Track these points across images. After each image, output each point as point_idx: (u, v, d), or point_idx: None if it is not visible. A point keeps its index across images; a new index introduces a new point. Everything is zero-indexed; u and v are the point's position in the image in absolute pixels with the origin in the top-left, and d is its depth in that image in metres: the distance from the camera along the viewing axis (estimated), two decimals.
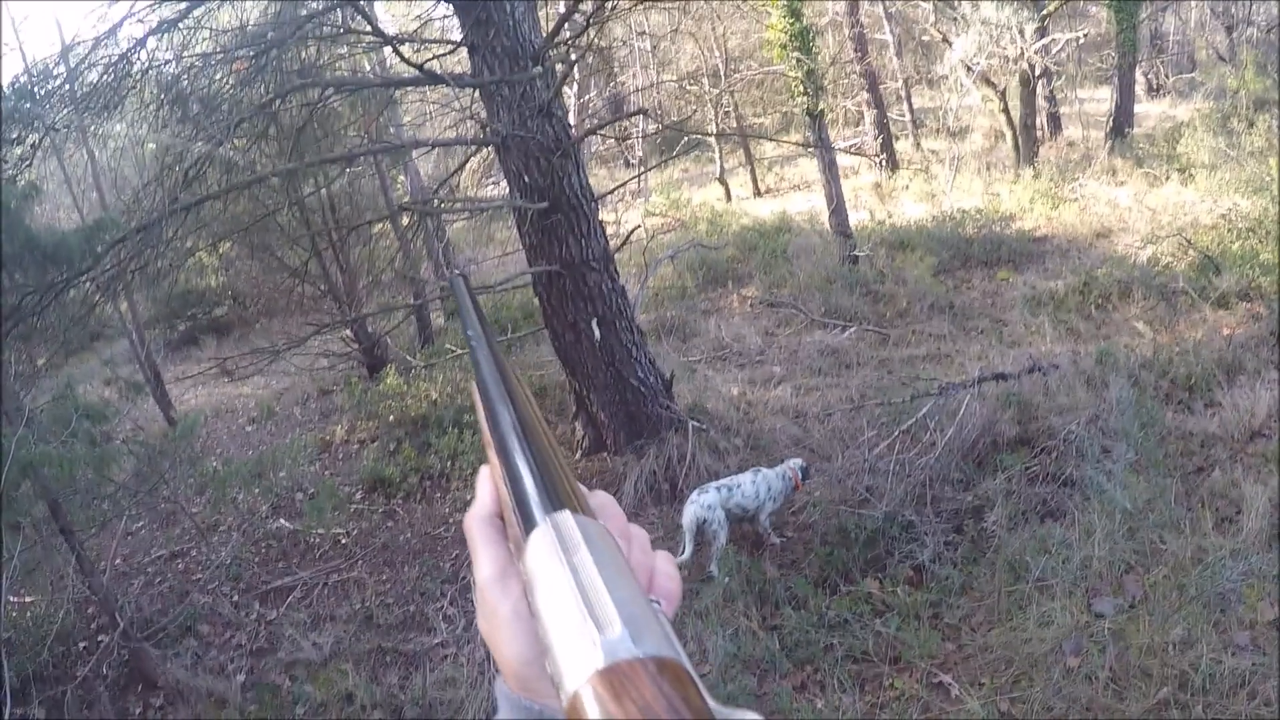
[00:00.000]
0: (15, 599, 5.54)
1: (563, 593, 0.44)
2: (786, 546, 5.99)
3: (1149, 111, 20.89)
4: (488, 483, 0.64)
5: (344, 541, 6.93)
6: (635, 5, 11.36)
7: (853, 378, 8.70)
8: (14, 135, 6.39)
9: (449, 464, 7.76)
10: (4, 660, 4.53)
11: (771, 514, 5.97)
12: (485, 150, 8.43)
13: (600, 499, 0.61)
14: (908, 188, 17.04)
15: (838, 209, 12.38)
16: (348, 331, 11.36)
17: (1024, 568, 4.87)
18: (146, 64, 6.79)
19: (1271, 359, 6.87)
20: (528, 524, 0.51)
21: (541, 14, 8.30)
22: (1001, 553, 5.10)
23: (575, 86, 17.42)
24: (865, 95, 18.88)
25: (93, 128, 7.77)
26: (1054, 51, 16.90)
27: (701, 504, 5.64)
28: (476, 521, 0.62)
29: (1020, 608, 4.67)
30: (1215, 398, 6.50)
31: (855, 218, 13.70)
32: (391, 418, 9.01)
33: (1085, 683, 4.01)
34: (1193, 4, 23.16)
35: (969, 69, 16.35)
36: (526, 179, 6.96)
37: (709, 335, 10.73)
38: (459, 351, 10.51)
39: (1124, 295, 9.36)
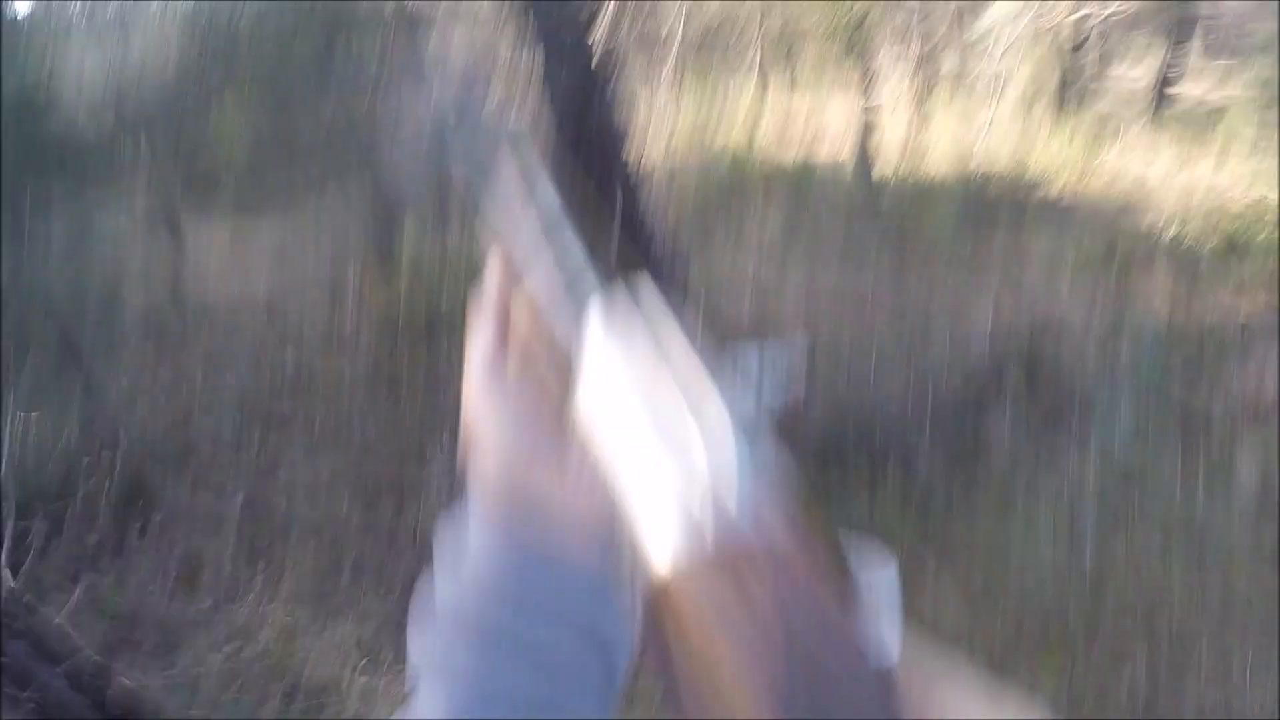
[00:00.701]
0: (21, 415, 5.61)
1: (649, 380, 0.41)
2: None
3: (1192, 90, 20.61)
4: (498, 267, 0.64)
5: (348, 377, 6.96)
6: None
7: (865, 316, 8.68)
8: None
9: (458, 311, 7.73)
10: (9, 473, 4.60)
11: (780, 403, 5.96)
12: None
13: None
14: (926, 147, 16.90)
15: (865, 158, 12.30)
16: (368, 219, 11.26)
17: (1016, 470, 4.95)
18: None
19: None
20: (583, 295, 0.48)
21: None
22: (995, 453, 5.16)
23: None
24: (902, 51, 18.64)
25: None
26: (1095, 23, 16.69)
27: None
28: (480, 310, 0.62)
29: (1007, 506, 4.76)
30: (1222, 379, 6.58)
31: (880, 171, 13.60)
32: (406, 263, 8.97)
33: (1063, 578, 4.11)
34: None
35: (1008, 28, 16.18)
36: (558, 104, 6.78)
37: (724, 266, 10.67)
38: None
39: (1145, 267, 9.35)
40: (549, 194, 0.67)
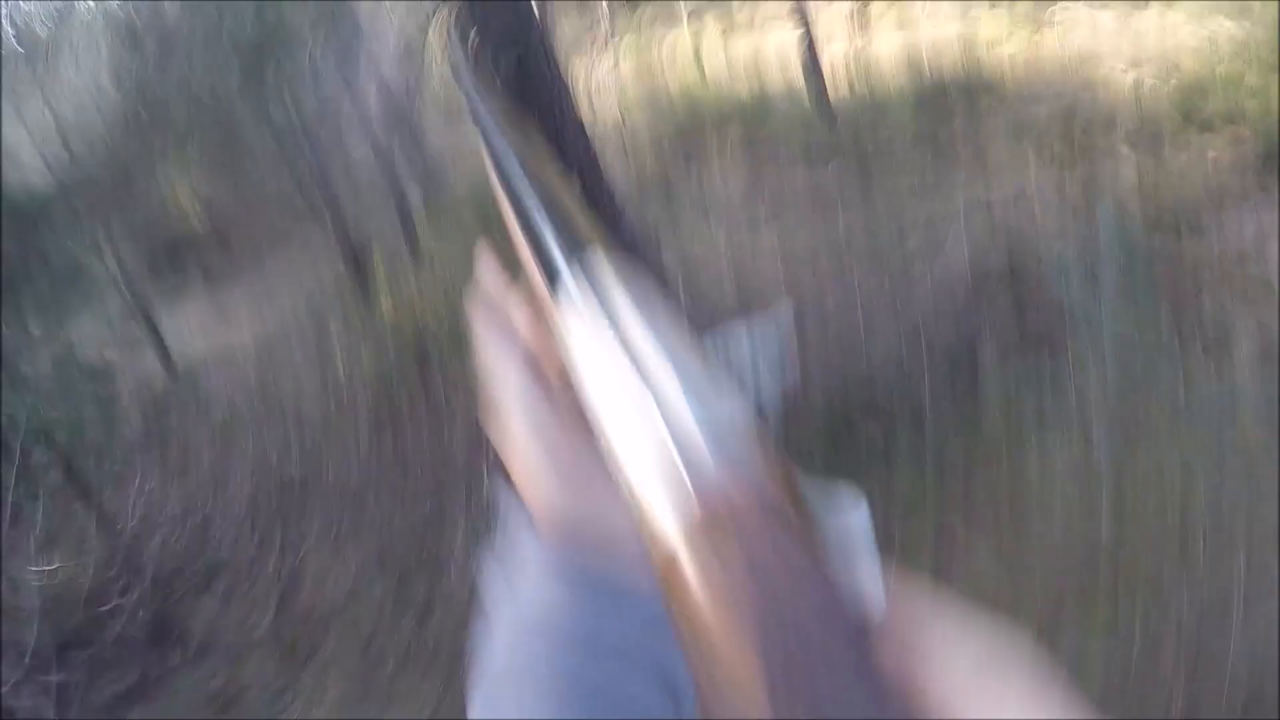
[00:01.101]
0: (39, 568, 5.64)
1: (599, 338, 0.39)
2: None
3: None
4: (485, 257, 0.58)
5: (353, 483, 6.96)
6: None
7: (839, 216, 8.61)
8: None
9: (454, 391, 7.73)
10: (40, 629, 4.66)
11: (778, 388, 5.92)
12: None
13: None
14: (873, 21, 16.62)
15: (812, 62, 12.12)
16: (335, 248, 11.25)
17: (1020, 402, 4.92)
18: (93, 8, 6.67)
19: (1258, 182, 6.79)
20: (555, 275, 0.45)
21: None
22: (997, 388, 5.14)
23: None
24: None
25: (48, 81, 7.66)
26: None
27: None
28: (479, 300, 0.57)
29: (1021, 444, 4.73)
30: (1202, 222, 6.46)
31: (830, 52, 13.36)
32: (390, 337, 8.93)
33: (1091, 518, 4.09)
34: None
35: None
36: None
37: (690, 197, 10.56)
38: (451, 251, 10.42)
39: (1107, 122, 9.22)
40: (499, 141, 0.65)
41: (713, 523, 0.34)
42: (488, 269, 0.56)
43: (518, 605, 0.50)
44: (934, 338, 5.85)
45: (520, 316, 0.53)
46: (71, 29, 6.52)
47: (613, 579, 0.47)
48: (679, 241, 8.30)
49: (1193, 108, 8.64)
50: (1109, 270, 5.79)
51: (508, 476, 0.52)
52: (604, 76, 12.91)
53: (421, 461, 6.91)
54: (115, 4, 6.93)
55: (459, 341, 7.99)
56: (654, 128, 12.49)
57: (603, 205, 7.02)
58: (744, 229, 8.91)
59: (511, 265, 0.56)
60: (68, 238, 6.25)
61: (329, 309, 11.29)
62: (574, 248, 0.44)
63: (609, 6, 19.90)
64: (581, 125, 6.97)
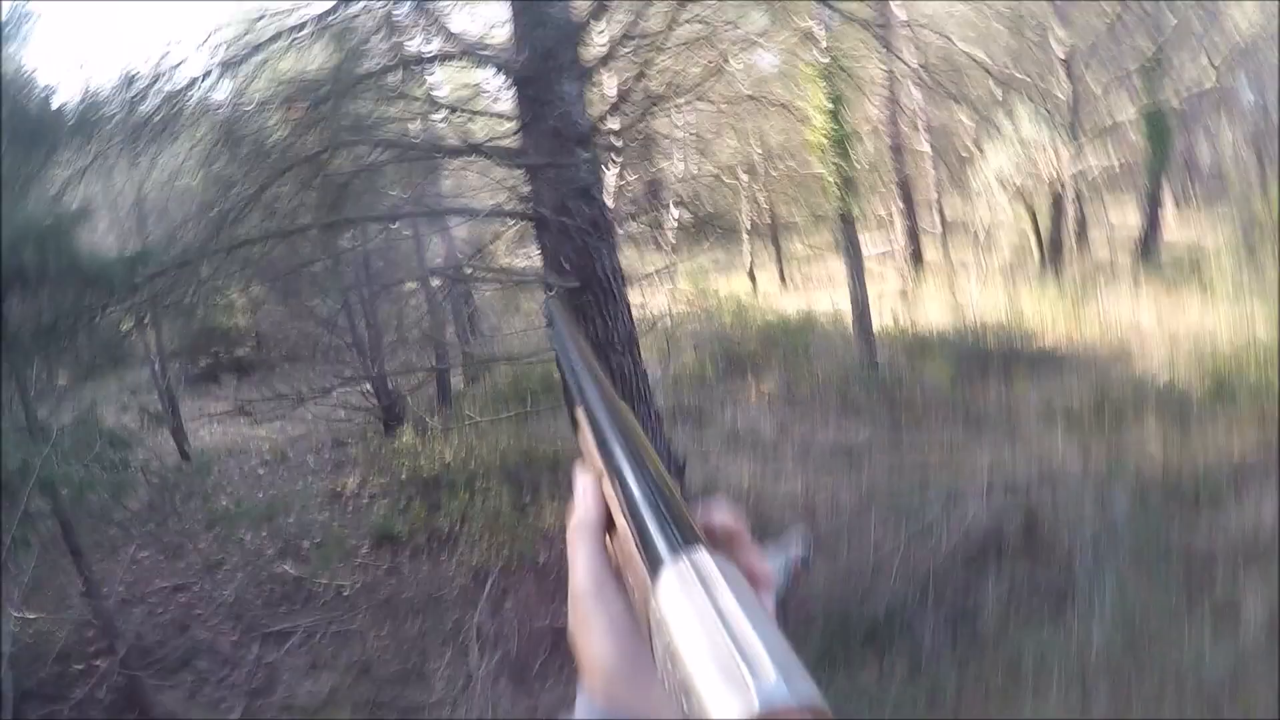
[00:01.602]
0: (18, 614, 5.56)
1: (710, 631, 0.42)
2: (786, 634, 5.95)
3: (1178, 236, 21.08)
4: (591, 493, 0.64)
5: (347, 593, 6.94)
6: (685, 102, 11.60)
7: (864, 477, 8.73)
8: (66, 157, 6.58)
9: (458, 526, 7.78)
10: (5, 675, 4.55)
11: (777, 598, 5.91)
12: (521, 222, 8.63)
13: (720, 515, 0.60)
14: (922, 299, 17.15)
15: (862, 313, 12.52)
16: (368, 386, 11.46)
17: (1021, 667, 4.88)
18: (203, 100, 7.00)
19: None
20: (658, 557, 0.49)
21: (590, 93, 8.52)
22: (1000, 652, 5.10)
23: (616, 168, 17.71)
24: (898, 204, 19.12)
25: (142, 157, 7.95)
26: (1089, 176, 17.16)
27: None
28: (580, 530, 0.62)
29: (1016, 690, 4.66)
30: (1221, 495, 6.57)
31: (878, 321, 13.84)
32: (404, 475, 9.08)
33: None
34: (1228, 139, 23.44)
35: (1002, 183, 16.60)
36: (560, 257, 7.08)
37: (724, 425, 10.78)
38: (477, 418, 10.59)
39: (1138, 414, 9.40)
40: (592, 383, 0.74)
41: None
42: (590, 498, 0.63)
43: None
44: (943, 589, 5.85)
45: (617, 545, 0.59)
46: (175, 112, 6.82)
47: None
48: (705, 472, 8.44)
49: (1224, 384, 8.85)
50: (1126, 536, 5.85)
51: (578, 661, 0.59)
52: (661, 306, 13.37)
53: (415, 584, 6.87)
54: (224, 102, 7.28)
55: (468, 496, 8.07)
56: (700, 365, 12.87)
57: (643, 429, 7.20)
58: (770, 474, 9.05)
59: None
60: (116, 305, 6.37)
61: (350, 434, 11.43)
62: (681, 538, 0.49)
63: (675, 245, 20.85)
64: (633, 347, 7.28)
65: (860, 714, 4.84)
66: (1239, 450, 7.95)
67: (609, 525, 0.62)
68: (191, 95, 6.84)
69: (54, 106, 6.15)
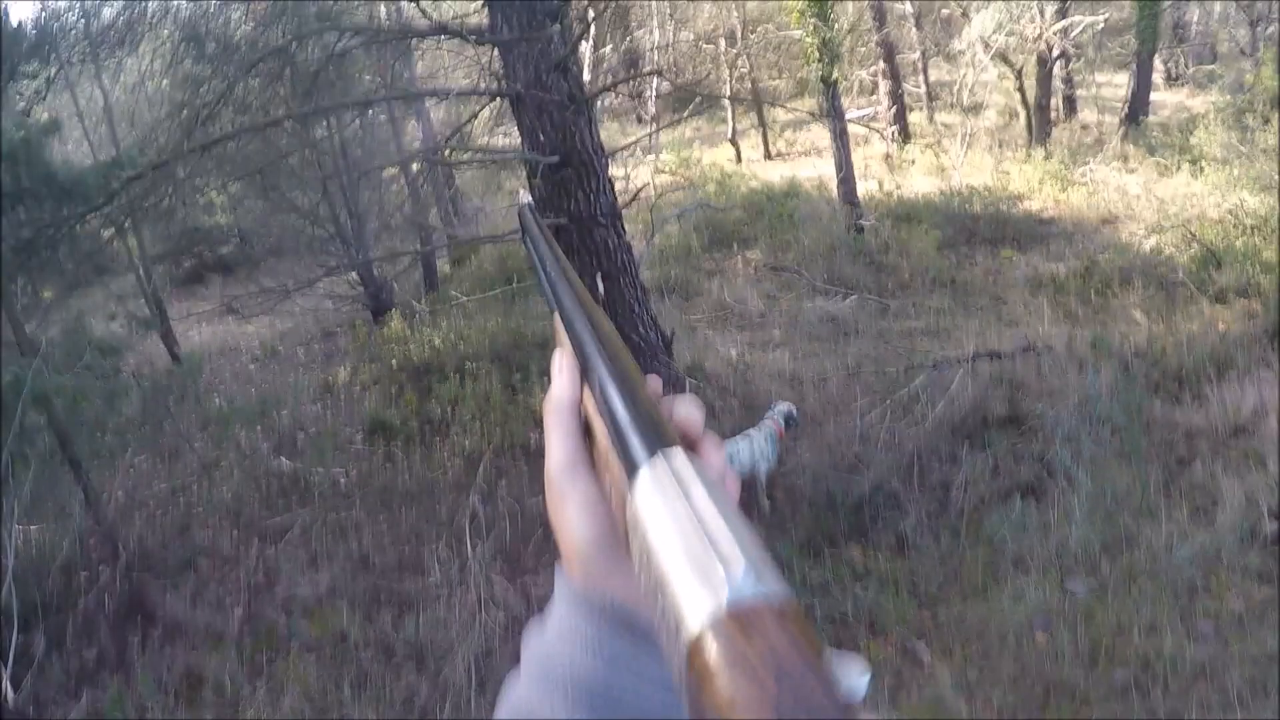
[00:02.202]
0: (20, 528, 5.66)
1: (684, 528, 0.43)
2: (774, 509, 6.11)
3: (1166, 100, 20.84)
4: (566, 371, 0.64)
5: (343, 483, 7.04)
6: None
7: (850, 346, 8.81)
8: (29, 70, 6.45)
9: (450, 410, 7.84)
10: (12, 587, 4.66)
11: (768, 473, 6.07)
12: (498, 100, 8.50)
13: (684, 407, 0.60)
14: (915, 162, 17.02)
15: (846, 177, 12.45)
16: (354, 275, 11.44)
17: (1003, 542, 5.02)
18: (163, 3, 6.84)
19: (1262, 357, 6.95)
20: (633, 460, 0.50)
21: None
22: (982, 527, 5.24)
23: (591, 41, 17.32)
24: (881, 65, 18.79)
25: (107, 63, 7.79)
26: (1073, 34, 16.84)
27: None
28: (554, 407, 0.62)
29: (996, 582, 4.81)
30: (1204, 391, 6.58)
31: (864, 187, 13.77)
32: (394, 363, 9.12)
33: (1053, 660, 4.16)
34: None
35: (987, 45, 16.30)
36: (539, 134, 7.02)
37: (711, 296, 10.81)
38: (464, 299, 10.61)
39: (1124, 283, 9.46)
40: (568, 290, 0.75)
41: (743, 617, 0.38)
42: (565, 377, 0.64)
43: (544, 639, 0.59)
44: (926, 472, 5.97)
45: (594, 425, 0.59)
46: (139, 19, 6.66)
47: (630, 622, 0.56)
48: (694, 349, 8.48)
49: (1207, 278, 8.87)
50: (1107, 429, 5.94)
51: (557, 540, 0.60)
52: (644, 178, 13.23)
53: (410, 472, 6.99)
54: (186, 4, 7.10)
55: (458, 379, 8.14)
56: (684, 237, 12.80)
57: (624, 300, 7.27)
58: (758, 344, 9.10)
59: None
60: (96, 214, 6.31)
61: (339, 324, 11.47)
62: (656, 438, 0.50)
63: (656, 117, 20.48)
64: (616, 220, 7.25)
65: (847, 592, 4.99)
66: (1225, 319, 8.02)
67: (586, 427, 0.62)
68: None
69: (12, 23, 5.98)
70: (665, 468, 0.48)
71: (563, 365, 0.65)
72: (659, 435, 0.51)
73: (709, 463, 0.56)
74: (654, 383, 0.62)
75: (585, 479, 0.59)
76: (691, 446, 0.57)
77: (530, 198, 1.07)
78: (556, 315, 0.72)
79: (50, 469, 5.75)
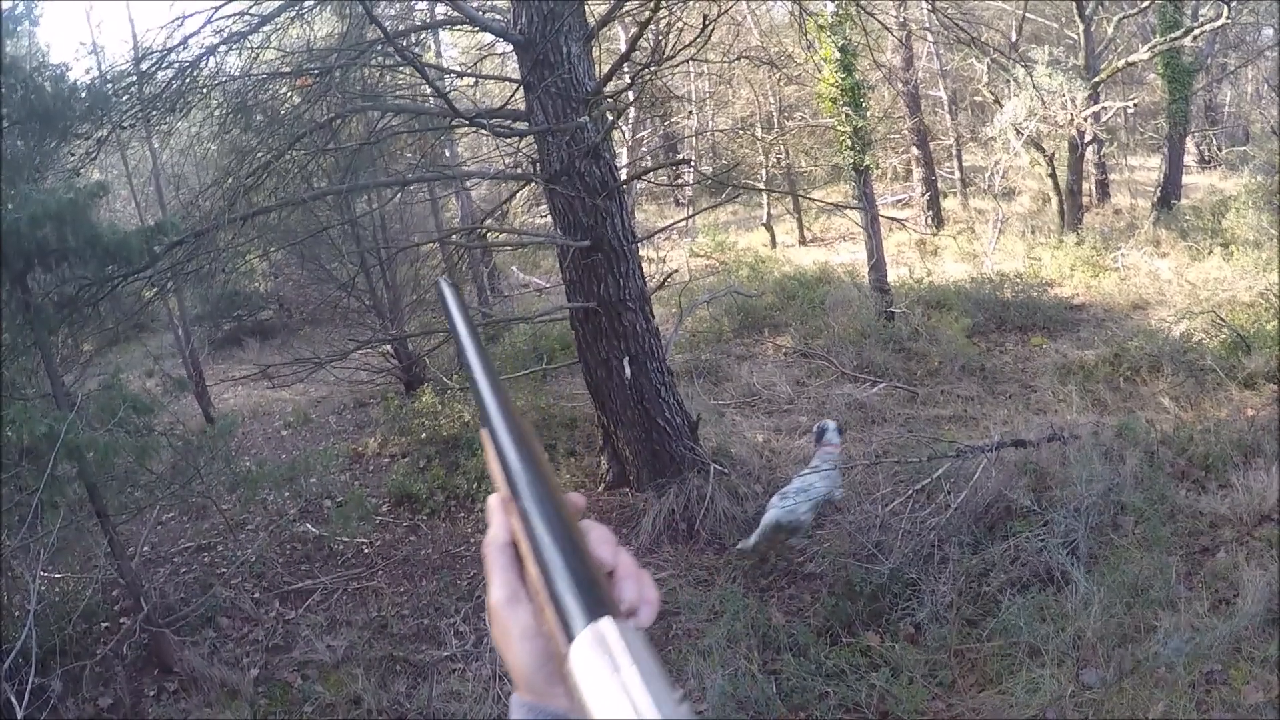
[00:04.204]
0: (45, 574, 5.75)
1: (616, 708, 0.46)
2: (794, 595, 6.11)
3: (1198, 183, 20.86)
4: (500, 514, 0.70)
5: (366, 551, 7.12)
6: (686, 60, 11.56)
7: (876, 433, 8.80)
8: (82, 130, 6.70)
9: (475, 485, 7.93)
10: (32, 629, 4.73)
11: (842, 497, 6.59)
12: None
13: (596, 534, 0.65)
14: (939, 249, 17.09)
15: (877, 264, 12.54)
16: (388, 348, 11.62)
17: (1019, 632, 4.96)
18: (214, 72, 7.10)
19: None
20: (570, 628, 0.52)
21: (596, 52, 8.55)
22: (1000, 617, 5.19)
23: (630, 124, 17.65)
24: (915, 152, 19.00)
25: (157, 127, 8.05)
26: (1104, 119, 16.96)
27: (783, 508, 6.19)
28: (493, 549, 0.69)
29: (1011, 672, 4.76)
30: (1230, 479, 6.51)
31: (895, 273, 13.83)
32: (424, 435, 9.23)
33: None
34: (1249, 76, 23.11)
35: (1018, 132, 16.45)
36: (571, 217, 7.18)
37: (740, 381, 10.84)
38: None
39: (1153, 369, 9.40)
40: (491, 392, 0.75)
41: None
42: (500, 520, 0.70)
43: None
44: (945, 560, 5.92)
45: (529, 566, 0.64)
46: (187, 85, 6.90)
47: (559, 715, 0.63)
48: (720, 433, 8.53)
49: (1236, 363, 8.82)
50: (1130, 518, 5.90)
51: (505, 658, 0.67)
52: (678, 260, 13.39)
53: (433, 543, 7.03)
54: (235, 75, 7.36)
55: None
56: (715, 321, 12.96)
57: (650, 384, 7.36)
58: (785, 429, 9.12)
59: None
60: (137, 274, 6.52)
61: (372, 395, 11.61)
62: (589, 606, 0.53)
63: (692, 200, 20.78)
64: (644, 305, 7.37)
65: (862, 680, 4.95)
66: (1253, 405, 7.96)
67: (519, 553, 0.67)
68: (203, 65, 6.94)
69: (68, 83, 6.23)
70: (597, 639, 0.50)
71: (494, 508, 0.71)
72: (591, 599, 0.53)
73: (622, 596, 0.62)
74: (576, 501, 0.67)
75: (525, 610, 0.65)
76: (609, 574, 0.63)
77: (448, 279, 1.07)
78: (484, 431, 0.73)
79: (78, 519, 5.86)
